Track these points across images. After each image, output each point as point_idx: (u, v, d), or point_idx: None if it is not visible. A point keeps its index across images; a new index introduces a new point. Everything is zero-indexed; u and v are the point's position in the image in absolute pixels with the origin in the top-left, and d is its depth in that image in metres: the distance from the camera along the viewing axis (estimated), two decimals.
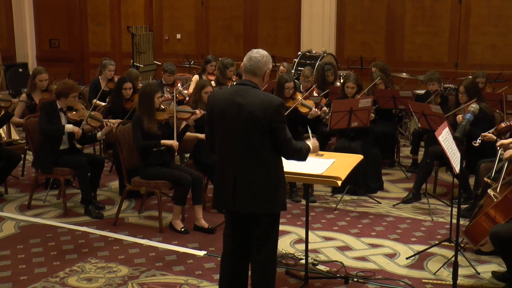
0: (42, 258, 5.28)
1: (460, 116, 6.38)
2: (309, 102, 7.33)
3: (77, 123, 6.44)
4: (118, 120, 6.63)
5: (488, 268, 5.00)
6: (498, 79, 9.71)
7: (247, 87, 3.83)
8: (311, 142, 4.15)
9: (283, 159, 3.95)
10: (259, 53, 3.88)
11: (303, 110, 7.25)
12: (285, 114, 6.81)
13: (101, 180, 6.84)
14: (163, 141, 5.89)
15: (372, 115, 7.14)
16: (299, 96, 7.29)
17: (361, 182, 7.03)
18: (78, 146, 6.66)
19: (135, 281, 4.80)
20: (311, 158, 4.54)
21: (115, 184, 7.40)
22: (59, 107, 6.39)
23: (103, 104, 7.76)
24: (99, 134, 6.57)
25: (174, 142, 5.93)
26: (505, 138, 6.18)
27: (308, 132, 5.25)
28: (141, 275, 4.92)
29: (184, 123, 6.28)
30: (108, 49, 14.49)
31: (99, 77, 8.66)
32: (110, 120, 6.64)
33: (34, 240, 5.69)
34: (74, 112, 6.47)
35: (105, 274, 4.95)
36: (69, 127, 6.33)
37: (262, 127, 3.73)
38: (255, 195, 3.82)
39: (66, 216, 6.35)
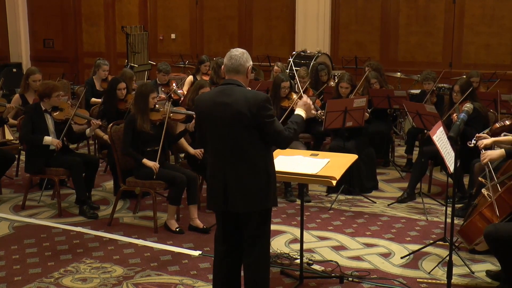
0: (37, 258, 5.27)
1: (455, 115, 6.39)
2: None
3: (64, 122, 6.42)
4: (99, 122, 6.59)
5: (483, 267, 5.02)
6: (492, 79, 9.74)
7: (231, 86, 3.85)
8: (301, 105, 4.10)
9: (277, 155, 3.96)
10: (238, 51, 3.90)
11: None
12: (284, 115, 6.87)
13: (95, 180, 6.82)
14: (144, 160, 5.83)
15: (367, 114, 7.15)
16: (295, 96, 7.29)
17: (356, 182, 7.04)
18: (73, 146, 6.62)
19: (130, 281, 4.79)
20: (306, 158, 4.55)
21: (109, 184, 7.39)
22: (43, 108, 6.36)
23: (99, 100, 7.76)
24: (87, 130, 6.55)
25: (155, 165, 5.83)
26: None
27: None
28: (136, 275, 4.92)
29: (182, 127, 6.27)
30: (102, 49, 14.46)
31: (93, 77, 8.65)
32: (94, 121, 6.58)
33: (28, 241, 5.67)
34: (60, 112, 6.45)
35: (100, 274, 4.94)
36: (48, 139, 6.26)
37: (250, 123, 3.75)
38: (247, 193, 3.84)
39: (60, 217, 6.34)
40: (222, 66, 3.98)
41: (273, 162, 3.98)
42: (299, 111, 4.08)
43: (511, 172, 4.65)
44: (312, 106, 4.17)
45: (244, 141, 3.78)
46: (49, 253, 5.38)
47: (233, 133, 3.78)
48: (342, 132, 6.92)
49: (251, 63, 3.94)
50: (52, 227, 6.04)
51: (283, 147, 3.98)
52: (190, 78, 9.25)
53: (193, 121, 6.13)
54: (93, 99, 8.28)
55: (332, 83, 8.90)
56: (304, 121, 4.04)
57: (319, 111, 7.30)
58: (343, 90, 7.23)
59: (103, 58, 9.14)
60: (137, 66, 12.11)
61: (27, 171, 6.52)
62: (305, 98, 4.13)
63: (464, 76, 8.22)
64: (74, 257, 5.29)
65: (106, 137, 6.59)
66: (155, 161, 5.89)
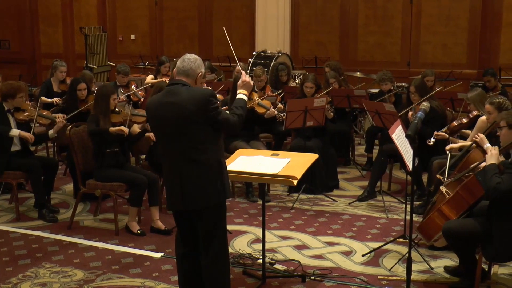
0: None
1: (410, 113, 6.49)
2: (266, 102, 7.36)
3: (26, 123, 6.33)
4: (63, 115, 6.55)
5: (441, 263, 5.11)
6: (448, 78, 9.92)
7: (178, 85, 3.88)
8: (240, 85, 4.11)
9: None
10: (192, 56, 3.97)
11: (260, 110, 7.27)
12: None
13: (55, 183, 6.72)
14: (111, 129, 5.80)
15: (331, 113, 7.21)
16: (256, 97, 7.31)
17: (317, 181, 7.08)
18: (32, 148, 6.50)
19: (91, 285, 4.74)
20: (266, 158, 4.56)
21: (69, 187, 7.29)
22: (6, 108, 6.25)
23: (49, 100, 7.67)
24: (50, 132, 6.42)
25: (122, 127, 5.84)
26: (456, 137, 6.36)
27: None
28: (97, 278, 4.86)
29: (139, 127, 6.23)
30: (60, 50, 14.25)
31: (51, 78, 8.52)
32: (58, 115, 6.51)
33: None
34: (22, 112, 6.34)
35: (60, 278, 4.87)
36: (15, 132, 6.17)
37: (197, 119, 3.76)
38: (194, 190, 3.83)
39: (19, 221, 6.23)
40: (174, 69, 3.99)
41: (223, 155, 3.97)
42: (241, 94, 4.09)
43: (467, 169, 4.74)
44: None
45: (192, 138, 3.79)
46: (7, 259, 5.28)
47: (180, 131, 3.79)
48: (304, 132, 6.96)
49: (202, 70, 3.96)
50: (10, 231, 5.93)
51: (233, 132, 4.02)
52: (151, 77, 9.20)
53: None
54: (43, 98, 8.09)
55: (292, 83, 8.94)
56: (247, 103, 4.08)
57: (280, 113, 7.31)
58: (308, 90, 7.26)
59: (61, 60, 9.00)
60: (96, 67, 11.97)
61: None
62: (243, 76, 4.12)
63: (420, 76, 8.34)
64: (33, 261, 5.21)
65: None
66: (115, 163, 5.85)
